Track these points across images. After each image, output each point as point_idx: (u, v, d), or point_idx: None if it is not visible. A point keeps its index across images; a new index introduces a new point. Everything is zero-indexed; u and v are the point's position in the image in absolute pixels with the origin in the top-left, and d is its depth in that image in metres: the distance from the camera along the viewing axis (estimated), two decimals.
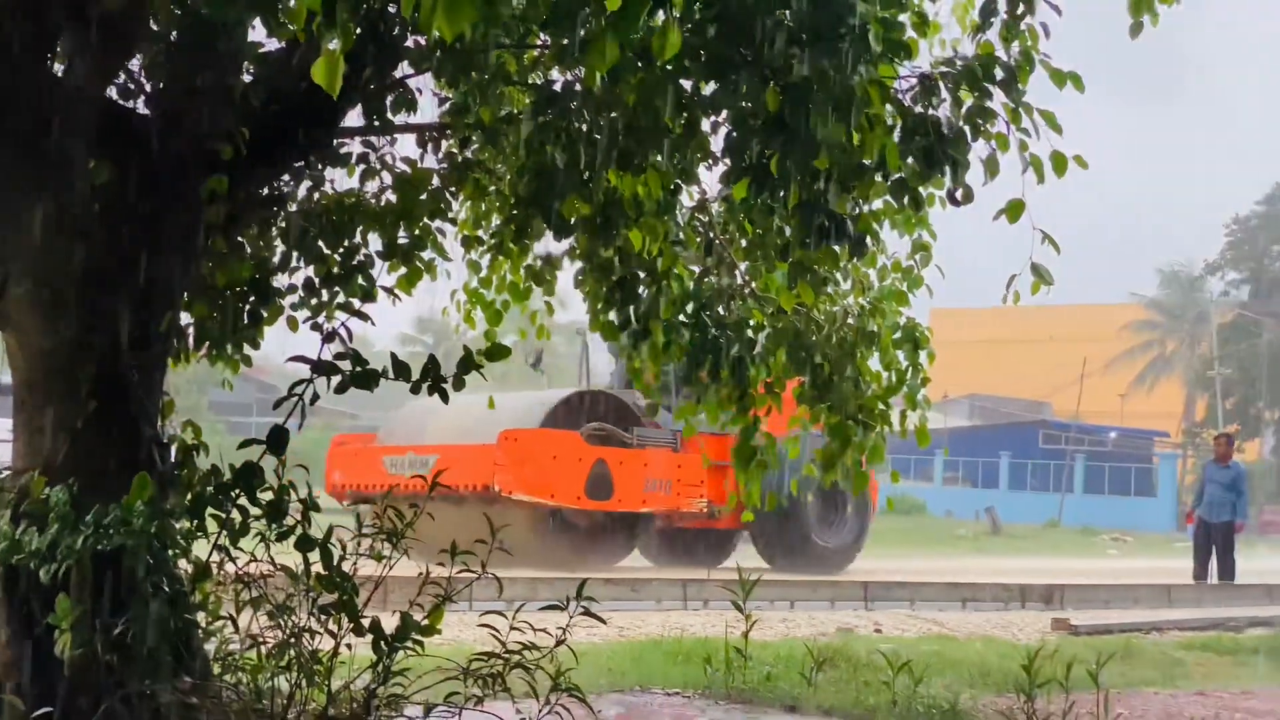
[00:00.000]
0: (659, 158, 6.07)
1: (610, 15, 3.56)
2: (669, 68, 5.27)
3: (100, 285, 5.37)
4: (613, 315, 7.17)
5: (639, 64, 5.23)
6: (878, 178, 5.32)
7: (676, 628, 11.70)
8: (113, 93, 5.81)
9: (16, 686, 5.11)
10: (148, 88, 5.95)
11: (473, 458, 19.01)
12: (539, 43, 6.72)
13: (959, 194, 5.41)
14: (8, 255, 5.34)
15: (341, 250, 7.07)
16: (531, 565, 17.02)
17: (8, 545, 5.05)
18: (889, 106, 5.23)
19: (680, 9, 4.63)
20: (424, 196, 7.15)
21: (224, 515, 5.23)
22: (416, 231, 7.21)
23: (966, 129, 5.40)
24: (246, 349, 7.17)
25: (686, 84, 5.58)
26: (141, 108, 5.94)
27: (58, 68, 5.55)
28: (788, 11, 4.91)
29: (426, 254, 7.30)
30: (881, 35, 5.05)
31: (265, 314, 7.06)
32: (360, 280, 7.06)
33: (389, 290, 7.17)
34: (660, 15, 4.14)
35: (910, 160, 5.27)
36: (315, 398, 5.09)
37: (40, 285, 5.32)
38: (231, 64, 5.78)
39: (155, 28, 5.71)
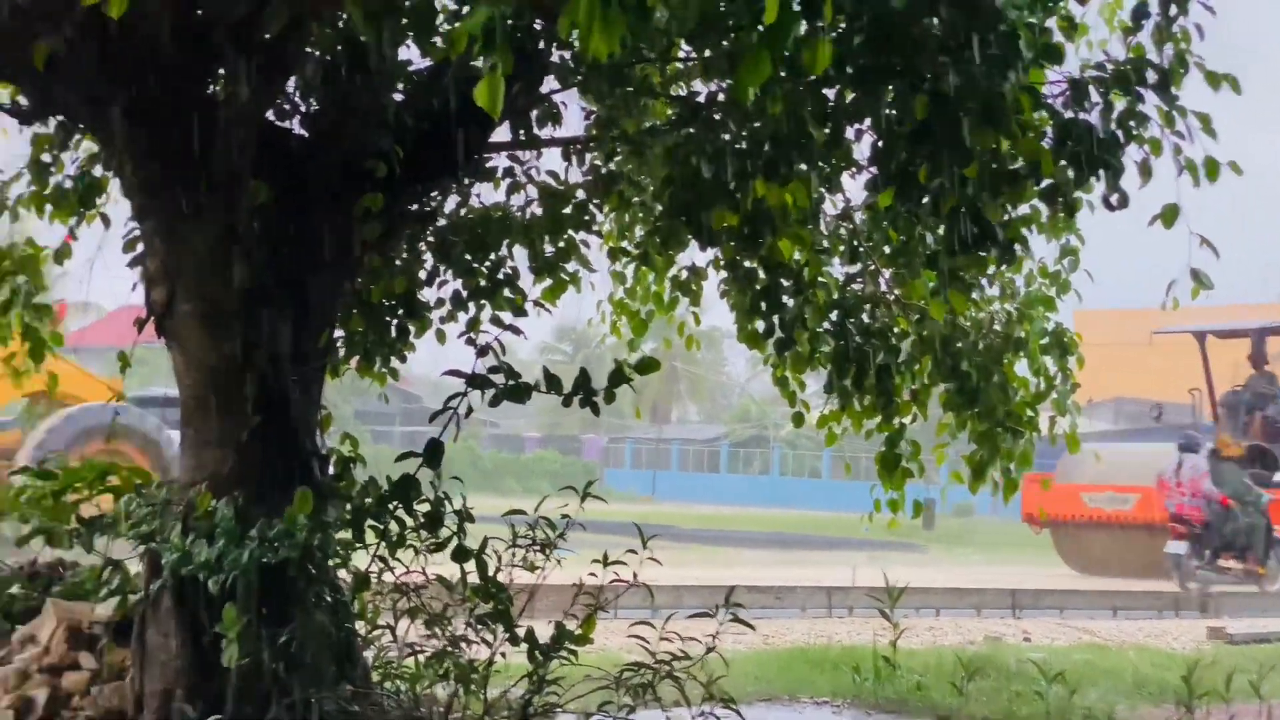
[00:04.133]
0: (804, 167, 6.06)
1: (763, 29, 3.56)
2: (814, 78, 5.27)
3: (262, 302, 5.51)
4: (758, 324, 7.17)
5: (783, 75, 5.24)
6: (1030, 184, 5.27)
7: (822, 635, 11.66)
8: (270, 114, 5.96)
9: (186, 694, 5.26)
10: (303, 108, 6.09)
11: (1155, 497, 24.18)
12: (681, 55, 6.76)
13: (1114, 199, 5.33)
14: (174, 274, 5.50)
15: (488, 263, 7.18)
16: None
17: (179, 556, 5.20)
18: (1040, 112, 5.18)
19: (829, 21, 4.63)
20: (569, 209, 7.23)
21: (382, 527, 5.34)
22: (561, 244, 7.30)
23: (1119, 133, 5.32)
24: (394, 361, 7.31)
25: (829, 93, 5.58)
26: (297, 128, 6.09)
27: (218, 90, 5.70)
28: (936, 20, 4.89)
29: (571, 266, 7.39)
30: (1030, 41, 5.00)
31: (414, 327, 7.20)
32: (507, 293, 7.16)
33: (536, 302, 7.27)
34: (805, 27, 4.13)
35: (1064, 165, 5.21)
36: (469, 410, 5.18)
37: (205, 303, 5.47)
38: (384, 84, 5.90)
39: (310, 50, 5.84)
